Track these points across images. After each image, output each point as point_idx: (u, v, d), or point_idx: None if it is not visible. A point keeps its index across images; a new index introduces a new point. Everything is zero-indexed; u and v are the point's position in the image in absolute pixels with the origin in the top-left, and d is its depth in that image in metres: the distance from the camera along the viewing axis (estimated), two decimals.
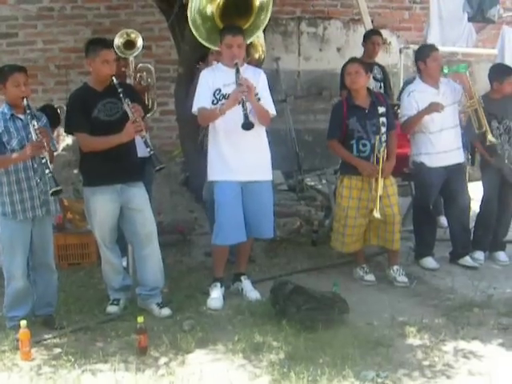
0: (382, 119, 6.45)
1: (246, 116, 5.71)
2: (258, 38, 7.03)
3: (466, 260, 7.02)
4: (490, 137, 6.86)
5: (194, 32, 6.16)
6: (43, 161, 5.23)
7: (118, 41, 6.88)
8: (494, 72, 7.26)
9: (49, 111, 6.64)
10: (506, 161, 7.08)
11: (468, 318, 5.65)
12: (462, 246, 7.09)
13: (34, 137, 5.26)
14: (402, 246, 6.92)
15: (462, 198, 7.00)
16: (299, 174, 9.35)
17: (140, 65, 7.11)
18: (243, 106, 5.71)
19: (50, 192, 5.25)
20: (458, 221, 7.06)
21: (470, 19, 9.05)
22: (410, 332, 5.37)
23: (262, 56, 7.35)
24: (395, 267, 6.63)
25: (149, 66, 7.21)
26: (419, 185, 7.21)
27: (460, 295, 6.21)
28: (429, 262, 7.01)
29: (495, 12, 8.86)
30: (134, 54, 6.96)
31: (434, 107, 6.77)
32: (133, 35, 7.02)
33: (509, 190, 7.20)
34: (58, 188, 5.22)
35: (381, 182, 6.33)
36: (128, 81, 6.80)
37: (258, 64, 6.93)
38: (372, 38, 8.62)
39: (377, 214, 6.29)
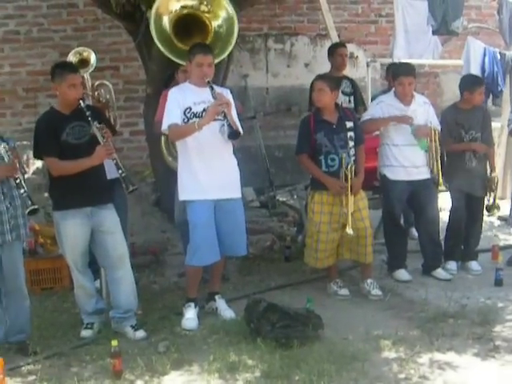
0: (350, 133, 6.48)
1: (230, 126, 5.74)
2: None
3: (439, 273, 7.06)
4: (441, 183, 6.93)
5: (161, 48, 6.24)
6: (17, 181, 5.22)
7: (71, 60, 6.85)
8: (464, 82, 7.33)
9: None
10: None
11: (442, 329, 5.68)
12: (432, 258, 7.13)
13: (5, 158, 5.25)
14: (375, 259, 6.94)
15: (431, 210, 7.03)
16: (271, 190, 9.36)
17: (97, 82, 7.03)
18: (225, 118, 5.73)
19: (27, 211, 5.22)
20: (426, 233, 7.10)
21: (434, 32, 9.12)
22: (385, 345, 5.39)
23: None
24: (369, 281, 6.65)
25: (106, 82, 7.12)
26: (384, 197, 7.25)
27: (434, 306, 6.23)
28: (402, 274, 7.04)
29: (459, 24, 8.94)
30: (89, 72, 6.92)
31: (404, 119, 6.82)
32: (85, 53, 6.99)
33: (477, 199, 7.25)
34: (35, 207, 5.20)
35: (351, 198, 6.36)
36: (86, 101, 6.73)
37: None
38: (338, 51, 8.58)
39: (349, 231, 6.30)
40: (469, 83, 7.27)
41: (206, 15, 6.41)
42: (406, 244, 7.23)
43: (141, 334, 5.75)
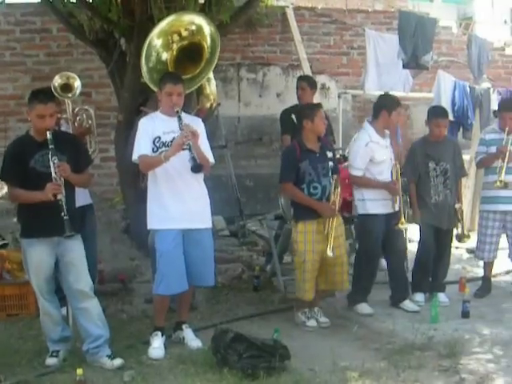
0: (330, 163, 6.58)
1: (194, 159, 5.70)
2: (210, 86, 7.09)
3: (406, 305, 7.09)
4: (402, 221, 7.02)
5: (146, 74, 6.24)
6: None
7: (56, 82, 6.81)
8: (429, 114, 7.42)
9: None
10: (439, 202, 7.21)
11: (409, 361, 5.68)
12: (400, 290, 7.16)
13: None
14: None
15: (399, 242, 7.09)
16: (241, 219, 9.35)
17: (78, 108, 7.01)
18: (190, 150, 5.70)
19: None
20: (395, 266, 7.13)
21: (404, 66, 9.23)
22: (352, 377, 5.38)
23: (214, 104, 7.39)
24: (316, 309, 6.72)
25: (87, 108, 7.10)
26: (364, 234, 7.21)
27: (401, 338, 6.25)
28: (364, 307, 7.02)
29: (429, 58, 9.05)
30: (71, 98, 6.87)
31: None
32: (71, 80, 6.96)
33: (445, 232, 7.29)
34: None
35: (336, 220, 6.45)
36: (65, 126, 6.71)
37: (209, 113, 6.94)
38: (297, 84, 8.61)
39: (330, 253, 6.33)
40: (431, 114, 7.36)
41: (203, 42, 6.39)
42: (374, 279, 7.23)
43: (118, 361, 5.66)
